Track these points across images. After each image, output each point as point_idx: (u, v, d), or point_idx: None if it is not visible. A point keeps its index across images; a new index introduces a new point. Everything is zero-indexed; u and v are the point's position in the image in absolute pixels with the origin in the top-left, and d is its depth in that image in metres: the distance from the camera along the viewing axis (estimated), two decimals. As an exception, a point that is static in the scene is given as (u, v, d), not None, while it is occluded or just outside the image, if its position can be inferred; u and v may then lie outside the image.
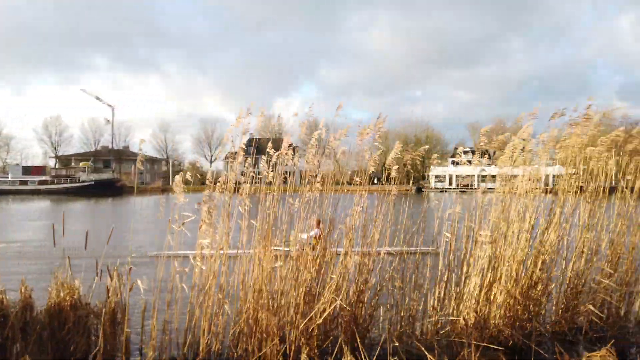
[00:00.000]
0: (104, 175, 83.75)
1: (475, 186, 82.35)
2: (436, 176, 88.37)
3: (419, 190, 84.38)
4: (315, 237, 11.57)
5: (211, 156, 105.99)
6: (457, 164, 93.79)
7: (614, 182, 7.81)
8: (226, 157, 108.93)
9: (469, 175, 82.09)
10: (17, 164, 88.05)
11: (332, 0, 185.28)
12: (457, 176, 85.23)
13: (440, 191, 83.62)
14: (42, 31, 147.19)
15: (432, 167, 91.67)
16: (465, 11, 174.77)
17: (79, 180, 79.53)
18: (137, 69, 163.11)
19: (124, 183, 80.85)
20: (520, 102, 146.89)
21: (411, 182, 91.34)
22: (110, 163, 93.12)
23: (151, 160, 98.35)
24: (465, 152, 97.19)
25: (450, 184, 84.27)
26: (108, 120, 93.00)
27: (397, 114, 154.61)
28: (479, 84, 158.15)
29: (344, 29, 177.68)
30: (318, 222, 11.80)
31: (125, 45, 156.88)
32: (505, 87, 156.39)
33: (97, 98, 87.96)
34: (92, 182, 78.29)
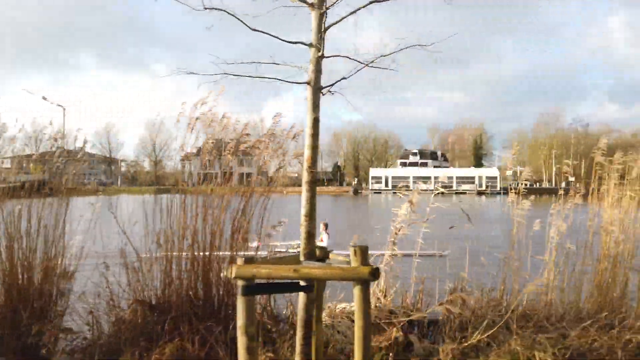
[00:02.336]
0: (34, 177, 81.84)
1: (411, 187, 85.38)
2: (373, 177, 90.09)
3: (356, 192, 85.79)
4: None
5: (156, 157, 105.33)
6: (406, 165, 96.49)
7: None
8: (183, 159, 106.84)
9: (403, 177, 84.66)
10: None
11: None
12: (393, 177, 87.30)
13: (375, 192, 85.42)
14: (29, 30, 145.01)
15: (370, 169, 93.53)
16: (454, 12, 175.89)
17: (4, 180, 77.17)
18: (126, 69, 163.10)
19: (55, 184, 78.87)
20: (510, 104, 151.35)
21: (354, 182, 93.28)
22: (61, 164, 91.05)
23: (106, 162, 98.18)
24: (413, 154, 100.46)
25: (387, 185, 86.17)
26: (51, 122, 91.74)
27: (389, 115, 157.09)
28: (469, 85, 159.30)
29: (334, 28, 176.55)
30: (326, 226, 12.63)
31: (113, 44, 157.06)
32: (495, 88, 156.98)
33: (44, 98, 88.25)
34: (22, 183, 75.96)
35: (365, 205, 61.05)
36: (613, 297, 5.87)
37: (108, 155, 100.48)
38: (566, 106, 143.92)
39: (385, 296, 5.95)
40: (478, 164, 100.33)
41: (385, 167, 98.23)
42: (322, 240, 12.71)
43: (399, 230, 6.18)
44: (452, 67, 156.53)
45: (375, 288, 5.91)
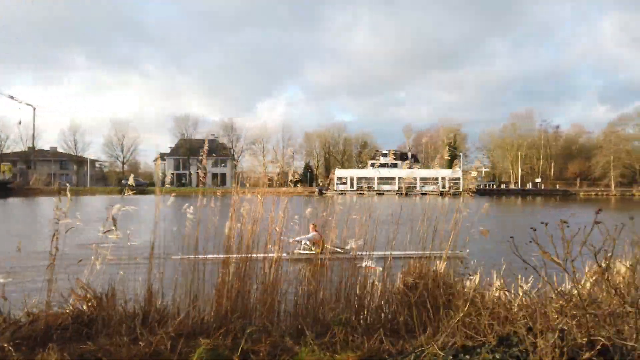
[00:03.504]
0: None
1: (374, 188, 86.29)
2: (338, 178, 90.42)
3: (321, 192, 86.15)
4: (313, 241, 12.34)
5: (123, 157, 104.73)
6: (381, 165, 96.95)
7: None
8: (156, 159, 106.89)
9: (367, 178, 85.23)
10: None
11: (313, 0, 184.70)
12: (357, 178, 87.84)
13: (339, 193, 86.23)
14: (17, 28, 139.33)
15: (335, 170, 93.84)
16: (447, 13, 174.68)
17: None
18: (116, 68, 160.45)
19: (17, 184, 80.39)
20: (503, 104, 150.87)
21: (320, 183, 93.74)
22: (31, 164, 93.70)
23: (78, 162, 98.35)
24: (384, 155, 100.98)
25: (352, 186, 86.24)
26: (20, 122, 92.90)
27: (383, 116, 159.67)
28: (462, 86, 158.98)
29: (328, 29, 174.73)
30: (314, 226, 12.67)
31: (104, 43, 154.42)
32: (488, 89, 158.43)
33: (11, 97, 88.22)
34: None
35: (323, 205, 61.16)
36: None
37: (78, 155, 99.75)
38: (557, 107, 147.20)
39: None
40: (451, 165, 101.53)
41: (363, 167, 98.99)
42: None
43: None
44: (444, 68, 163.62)
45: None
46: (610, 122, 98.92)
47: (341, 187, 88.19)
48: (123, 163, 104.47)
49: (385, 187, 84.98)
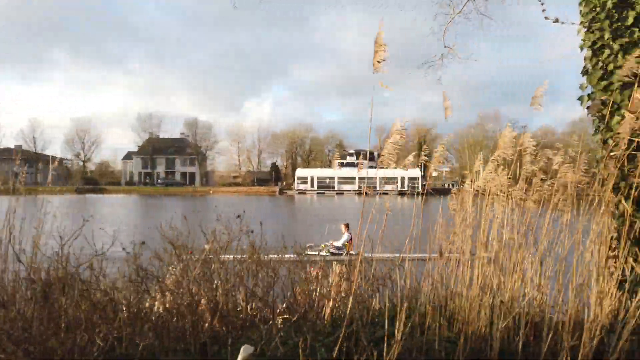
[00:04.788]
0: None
1: (335, 187, 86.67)
2: (299, 178, 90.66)
3: (281, 191, 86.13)
4: (348, 242, 12.37)
5: (84, 156, 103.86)
6: (346, 164, 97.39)
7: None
8: (124, 157, 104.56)
9: (328, 178, 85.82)
10: None
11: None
12: (318, 178, 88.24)
13: (299, 193, 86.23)
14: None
15: (297, 169, 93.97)
16: (430, 13, 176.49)
17: None
18: (99, 65, 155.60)
19: None
20: (486, 105, 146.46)
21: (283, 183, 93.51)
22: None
23: (45, 160, 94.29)
24: (350, 155, 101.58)
25: (313, 186, 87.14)
26: None
27: (367, 116, 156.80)
28: (445, 86, 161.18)
29: (314, 28, 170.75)
30: (347, 226, 12.75)
31: (87, 39, 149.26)
32: (471, 90, 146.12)
33: None
34: None
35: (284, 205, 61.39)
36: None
37: (37, 153, 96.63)
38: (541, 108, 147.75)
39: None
40: (422, 165, 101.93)
41: (330, 167, 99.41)
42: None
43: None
44: (427, 68, 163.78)
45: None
46: (569, 123, 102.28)
47: (302, 186, 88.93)
48: (84, 161, 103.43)
49: (346, 187, 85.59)
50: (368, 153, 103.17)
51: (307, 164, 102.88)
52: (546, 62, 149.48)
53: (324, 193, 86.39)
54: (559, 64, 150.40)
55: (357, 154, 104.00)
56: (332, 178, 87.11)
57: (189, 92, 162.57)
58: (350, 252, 11.97)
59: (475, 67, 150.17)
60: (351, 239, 12.85)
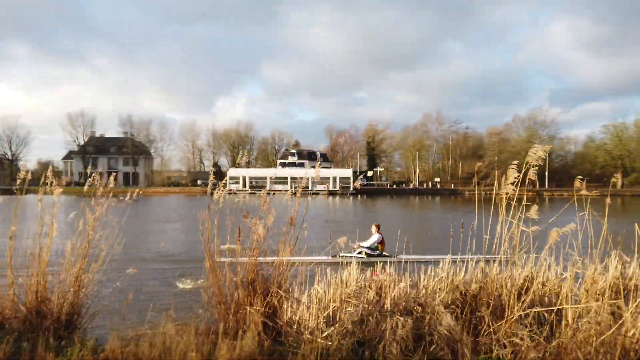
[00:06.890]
0: None
1: (267, 187, 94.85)
2: (231, 177, 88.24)
3: (212, 192, 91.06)
4: (379, 243, 11.60)
5: (12, 155, 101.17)
6: (285, 165, 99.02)
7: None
8: (65, 157, 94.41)
9: (260, 178, 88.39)
10: None
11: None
12: (250, 178, 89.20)
13: (230, 193, 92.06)
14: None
15: (229, 169, 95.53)
16: (406, 13, 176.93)
17: None
18: (63, 61, 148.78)
19: None
20: (460, 105, 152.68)
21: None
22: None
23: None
24: (292, 155, 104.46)
25: (245, 185, 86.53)
26: None
27: (345, 115, 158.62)
28: (420, 86, 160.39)
29: (285, 26, 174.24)
30: (378, 227, 11.91)
31: (48, 34, 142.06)
32: (446, 90, 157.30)
33: None
34: None
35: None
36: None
37: None
38: (510, 109, 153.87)
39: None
40: (370, 165, 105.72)
41: (274, 167, 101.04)
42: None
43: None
44: (403, 69, 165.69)
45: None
46: (506, 123, 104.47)
47: (233, 186, 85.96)
48: (11, 160, 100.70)
49: (278, 187, 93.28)
50: (308, 153, 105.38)
51: (247, 164, 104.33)
52: (516, 62, 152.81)
53: (255, 193, 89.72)
54: (526, 65, 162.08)
55: (299, 154, 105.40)
56: (264, 178, 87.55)
57: (158, 90, 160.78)
58: (384, 252, 11.50)
59: (452, 66, 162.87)
60: (382, 239, 11.92)
